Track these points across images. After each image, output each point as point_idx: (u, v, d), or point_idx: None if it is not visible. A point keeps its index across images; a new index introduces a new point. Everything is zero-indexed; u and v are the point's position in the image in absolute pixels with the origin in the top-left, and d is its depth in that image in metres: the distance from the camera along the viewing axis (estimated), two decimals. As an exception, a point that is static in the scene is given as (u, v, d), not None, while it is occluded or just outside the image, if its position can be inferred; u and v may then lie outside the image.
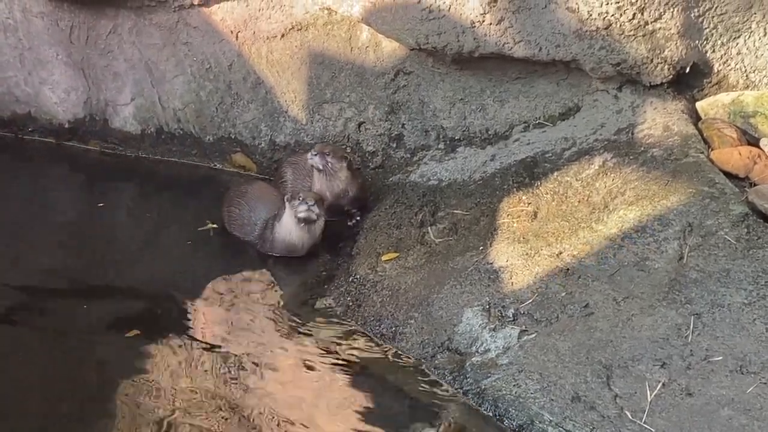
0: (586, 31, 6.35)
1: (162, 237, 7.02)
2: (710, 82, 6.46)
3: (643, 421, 4.62)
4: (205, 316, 5.94)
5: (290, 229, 6.55)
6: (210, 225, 6.91)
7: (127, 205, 7.55)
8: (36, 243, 6.81)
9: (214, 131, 7.84)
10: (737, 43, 6.31)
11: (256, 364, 5.46)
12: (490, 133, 7.01)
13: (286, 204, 6.56)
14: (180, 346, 5.61)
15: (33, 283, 6.29)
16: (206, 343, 5.65)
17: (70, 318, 5.91)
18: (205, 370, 5.41)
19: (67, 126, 8.21)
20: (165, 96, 7.92)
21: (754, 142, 6.15)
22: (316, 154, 6.82)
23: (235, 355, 5.53)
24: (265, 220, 6.70)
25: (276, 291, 6.34)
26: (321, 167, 6.83)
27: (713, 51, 6.34)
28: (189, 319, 5.89)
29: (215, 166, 7.85)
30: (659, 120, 6.30)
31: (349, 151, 7.29)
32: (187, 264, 6.58)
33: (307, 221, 6.50)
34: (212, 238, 6.83)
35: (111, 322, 5.84)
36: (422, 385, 5.26)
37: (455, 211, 6.41)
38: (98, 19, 7.88)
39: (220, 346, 5.62)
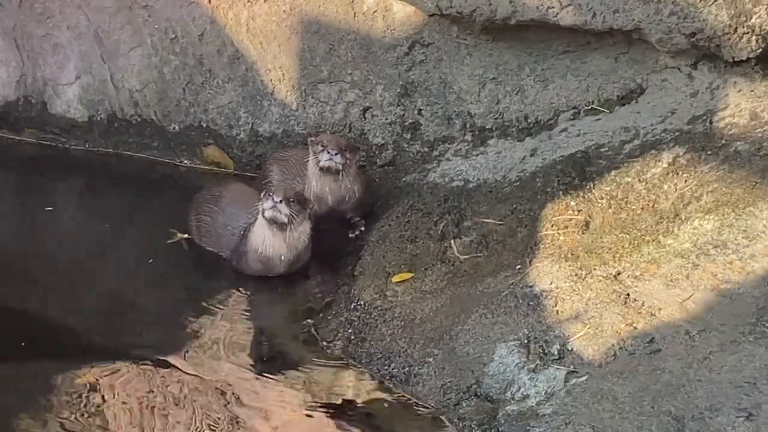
0: (653, -8, 6.39)
1: (117, 253, 7.02)
2: (810, 57, 6.48)
3: (723, 487, 4.63)
4: (172, 358, 5.92)
5: (263, 235, 6.53)
6: (180, 236, 6.91)
7: (71, 213, 7.57)
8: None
9: (180, 118, 7.87)
10: (844, 8, 6.32)
11: (237, 419, 5.48)
12: (529, 121, 7.03)
13: (259, 205, 6.54)
14: (141, 398, 5.59)
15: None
16: (175, 392, 5.64)
17: (3, 359, 5.85)
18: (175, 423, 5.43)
19: (-5, 111, 8.26)
20: (118, 73, 7.95)
21: None
22: (336, 153, 6.77)
23: (211, 408, 5.53)
24: (243, 228, 6.70)
25: (259, 321, 6.35)
26: (341, 167, 6.82)
27: (814, 18, 6.36)
28: (151, 362, 5.86)
29: (182, 162, 7.87)
30: (745, 105, 6.31)
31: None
32: (149, 288, 6.58)
33: (274, 222, 6.46)
34: (179, 254, 6.84)
35: (56, 364, 5.80)
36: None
37: (485, 221, 6.42)
38: (35, -24, 7.94)
39: (192, 394, 5.62)
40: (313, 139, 6.99)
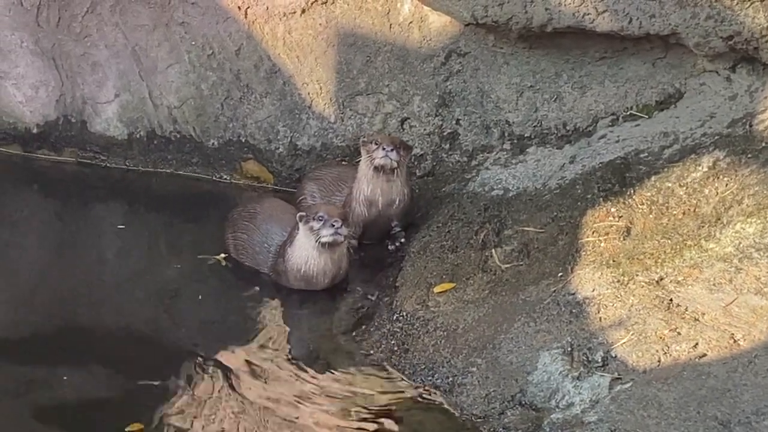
0: (689, -5, 6.39)
1: (156, 273, 7.01)
2: None
3: (771, 492, 4.62)
4: (215, 375, 5.90)
5: (306, 255, 6.54)
6: (219, 258, 6.93)
7: (111, 232, 7.59)
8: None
9: (219, 134, 7.91)
10: None
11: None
12: (568, 128, 7.03)
13: (300, 225, 6.52)
14: (188, 417, 5.60)
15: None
16: (221, 412, 5.63)
17: (44, 392, 5.78)
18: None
19: (35, 131, 8.30)
20: (157, 91, 8.01)
21: None
22: (392, 150, 6.74)
23: (258, 425, 5.53)
24: (279, 246, 6.73)
25: (302, 335, 6.37)
26: (396, 165, 6.83)
27: None
28: (195, 378, 5.86)
29: (222, 177, 7.91)
30: (785, 107, 6.32)
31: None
32: (191, 304, 6.59)
33: (331, 245, 6.51)
34: (219, 270, 6.83)
35: (100, 402, 5.73)
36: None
37: (526, 229, 6.43)
38: (72, -4, 8.01)
39: (237, 411, 5.62)
40: (365, 139, 6.97)
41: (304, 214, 6.53)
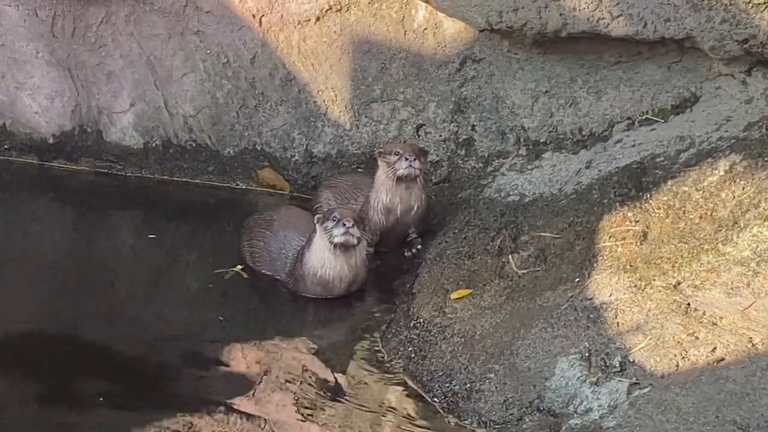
0: (704, -1, 6.39)
1: (173, 283, 7.05)
2: None
3: (791, 496, 4.61)
4: (232, 382, 5.92)
5: (323, 258, 6.55)
6: (237, 269, 6.92)
7: (127, 241, 7.63)
8: (12, 294, 6.79)
9: (235, 142, 7.94)
10: None
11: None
12: (584, 133, 7.04)
13: (318, 227, 6.56)
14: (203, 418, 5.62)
15: (7, 349, 6.23)
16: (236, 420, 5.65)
17: (57, 397, 5.77)
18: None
19: (51, 141, 8.33)
20: (172, 100, 8.04)
21: None
22: (414, 159, 6.76)
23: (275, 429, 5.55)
24: (297, 251, 6.75)
25: (319, 342, 6.37)
26: (419, 172, 6.85)
27: None
28: (212, 386, 5.89)
29: (238, 185, 7.94)
30: (801, 110, 6.32)
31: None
32: (209, 312, 6.58)
33: (345, 247, 6.53)
34: (236, 278, 6.83)
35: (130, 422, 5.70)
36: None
37: (542, 234, 6.43)
38: (87, 6, 8.00)
39: (257, 422, 5.64)
40: (381, 150, 6.97)
41: (320, 215, 6.57)
